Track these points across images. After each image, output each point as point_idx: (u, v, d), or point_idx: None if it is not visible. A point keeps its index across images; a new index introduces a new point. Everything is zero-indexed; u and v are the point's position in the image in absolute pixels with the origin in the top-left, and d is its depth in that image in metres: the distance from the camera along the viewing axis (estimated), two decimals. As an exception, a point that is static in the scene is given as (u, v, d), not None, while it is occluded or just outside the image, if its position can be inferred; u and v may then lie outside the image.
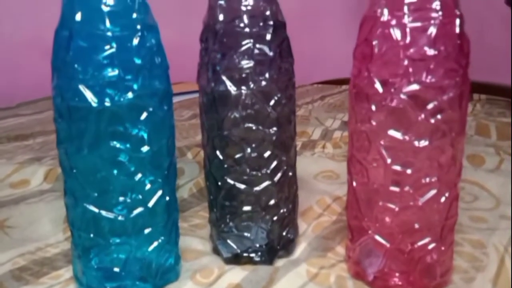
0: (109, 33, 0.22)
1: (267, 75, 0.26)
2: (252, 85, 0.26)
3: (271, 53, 0.26)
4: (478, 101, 0.83)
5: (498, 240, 0.31)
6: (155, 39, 0.24)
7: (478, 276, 0.27)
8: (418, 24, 0.22)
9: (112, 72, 0.22)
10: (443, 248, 0.26)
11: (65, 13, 0.22)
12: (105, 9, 0.22)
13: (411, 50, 0.22)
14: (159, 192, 0.25)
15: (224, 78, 0.26)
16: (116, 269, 0.26)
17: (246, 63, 0.26)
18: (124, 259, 0.25)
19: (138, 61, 0.23)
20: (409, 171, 0.24)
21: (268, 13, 0.26)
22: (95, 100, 0.22)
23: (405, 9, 0.22)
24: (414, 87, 0.23)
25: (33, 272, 0.29)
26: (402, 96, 0.23)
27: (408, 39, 0.22)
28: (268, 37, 0.26)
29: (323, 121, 0.69)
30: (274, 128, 0.27)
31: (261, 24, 0.26)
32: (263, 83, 0.26)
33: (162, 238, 0.26)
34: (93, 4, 0.22)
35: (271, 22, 0.26)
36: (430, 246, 0.25)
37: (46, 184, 0.43)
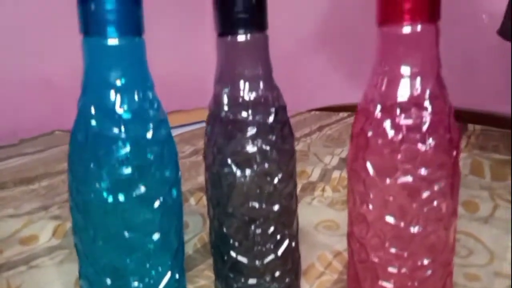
0: (123, 135, 0.23)
1: (270, 158, 0.28)
2: (256, 168, 0.27)
3: (273, 138, 0.28)
4: (473, 133, 0.85)
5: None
6: (165, 130, 0.25)
7: None
8: (410, 121, 0.24)
9: (126, 170, 0.23)
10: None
11: (81, 116, 0.24)
12: (120, 111, 0.23)
13: (404, 146, 0.24)
14: (169, 273, 0.26)
15: (229, 161, 0.27)
16: None
17: (251, 148, 0.27)
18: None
19: (150, 156, 0.24)
20: (405, 254, 0.25)
21: (270, 99, 0.28)
22: (110, 196, 0.23)
23: (397, 108, 0.24)
24: (408, 179, 0.24)
25: None
26: (396, 187, 0.24)
27: (400, 136, 0.24)
28: (271, 122, 0.27)
29: (321, 157, 0.71)
30: (277, 206, 0.29)
31: (263, 111, 0.27)
32: (266, 165, 0.28)
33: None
34: (108, 108, 0.23)
35: (273, 109, 0.28)
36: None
37: (54, 240, 0.45)
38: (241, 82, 0.27)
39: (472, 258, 0.39)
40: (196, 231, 0.44)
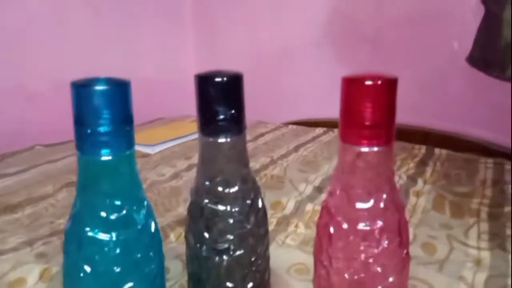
0: (114, 238, 0.26)
1: (246, 244, 0.31)
2: (232, 254, 0.31)
3: (248, 226, 0.31)
4: (439, 158, 0.90)
5: None
6: (153, 228, 0.28)
7: None
8: (366, 228, 0.28)
9: (117, 269, 0.26)
10: None
11: (75, 220, 0.27)
12: (112, 217, 0.26)
13: (361, 247, 0.28)
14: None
15: (208, 248, 0.31)
16: None
17: (228, 237, 0.30)
18: None
19: (138, 255, 0.27)
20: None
21: (246, 191, 0.31)
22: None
23: (355, 215, 0.28)
24: (362, 275, 0.28)
25: None
26: (353, 281, 0.28)
27: (357, 239, 0.28)
28: (246, 212, 0.31)
29: (296, 184, 0.75)
30: (251, 283, 0.32)
31: (240, 203, 0.31)
32: (242, 251, 0.31)
33: None
34: (99, 214, 0.26)
35: (248, 201, 0.31)
36: None
37: (41, 283, 0.47)
38: (220, 177, 0.30)
39: (425, 306, 0.44)
40: (176, 278, 0.47)
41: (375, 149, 0.27)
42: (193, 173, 0.83)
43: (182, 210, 0.66)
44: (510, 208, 0.65)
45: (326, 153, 0.93)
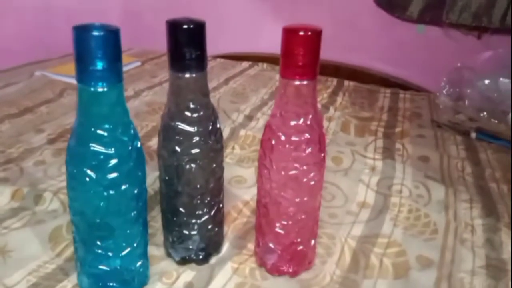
0: (112, 151, 0.34)
1: (208, 156, 0.41)
2: (199, 162, 0.41)
3: (210, 142, 0.41)
4: (347, 89, 1.05)
5: (342, 232, 0.52)
6: (138, 146, 0.37)
7: (328, 260, 0.48)
8: (297, 139, 0.39)
9: (113, 175, 0.35)
10: (312, 243, 0.45)
11: (78, 139, 0.34)
12: (109, 136, 0.34)
13: (293, 153, 0.39)
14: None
15: (180, 159, 0.40)
16: (106, 277, 0.40)
17: (195, 151, 0.40)
18: (117, 270, 0.40)
19: (131, 163, 0.36)
20: (291, 213, 0.42)
21: (208, 115, 0.40)
22: (104, 192, 0.35)
23: (290, 131, 0.38)
24: (295, 171, 0.40)
25: (44, 286, 0.42)
26: (288, 176, 0.40)
27: (292, 147, 0.39)
28: (209, 131, 0.40)
29: (229, 114, 0.85)
30: (212, 184, 0.43)
31: (203, 124, 0.40)
32: (206, 161, 0.41)
33: (142, 253, 0.41)
34: (99, 133, 0.34)
35: (210, 123, 0.40)
36: (304, 246, 0.44)
37: (14, 202, 0.53)
38: (187, 105, 0.39)
39: (333, 201, 0.58)
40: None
41: (305, 82, 0.38)
42: (137, 99, 0.89)
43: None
44: (400, 129, 0.82)
45: (253, 86, 1.04)
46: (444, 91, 0.92)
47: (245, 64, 1.21)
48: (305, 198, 0.41)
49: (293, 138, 0.39)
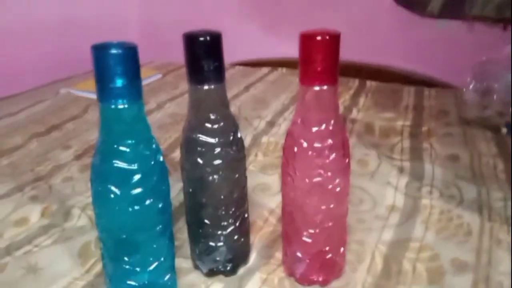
0: (135, 167, 0.35)
1: (230, 166, 0.41)
2: (221, 173, 0.40)
3: (231, 152, 0.40)
4: (369, 90, 1.03)
5: (372, 238, 0.50)
6: (161, 160, 0.37)
7: (359, 267, 0.46)
8: (320, 145, 0.38)
9: (137, 190, 0.35)
10: (341, 251, 0.44)
11: (102, 156, 0.34)
12: (131, 152, 0.34)
13: (317, 160, 0.38)
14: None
15: (203, 170, 0.40)
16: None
17: (217, 162, 0.40)
18: (141, 284, 0.40)
19: (154, 178, 0.36)
20: (318, 221, 0.41)
21: (228, 126, 0.40)
22: (129, 207, 0.35)
23: (313, 137, 0.38)
24: (319, 179, 0.39)
25: (75, 302, 0.42)
26: (312, 184, 0.39)
27: (314, 154, 0.38)
28: (230, 141, 0.40)
29: (251, 121, 0.85)
30: (236, 194, 0.42)
31: (225, 135, 0.40)
32: (228, 171, 0.41)
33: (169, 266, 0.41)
34: (121, 150, 0.34)
35: (231, 134, 0.40)
36: (333, 254, 0.43)
37: (44, 219, 0.54)
38: (208, 116, 0.39)
39: (361, 206, 0.57)
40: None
41: (325, 88, 0.37)
42: (160, 112, 0.90)
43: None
44: (427, 128, 0.80)
45: (273, 91, 1.03)
46: (470, 87, 0.89)
47: (265, 70, 1.21)
48: (331, 205, 0.41)
49: (316, 145, 0.38)
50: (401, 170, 0.65)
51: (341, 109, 0.90)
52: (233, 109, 0.91)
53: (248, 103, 0.95)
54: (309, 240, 0.42)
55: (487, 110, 0.86)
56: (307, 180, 0.39)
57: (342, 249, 0.44)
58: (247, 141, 0.76)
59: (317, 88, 0.37)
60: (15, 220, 0.54)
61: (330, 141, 0.38)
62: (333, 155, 0.39)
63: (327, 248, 0.43)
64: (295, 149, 0.39)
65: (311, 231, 0.42)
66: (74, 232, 0.52)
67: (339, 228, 0.43)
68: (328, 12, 1.17)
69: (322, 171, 0.39)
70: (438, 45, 1.11)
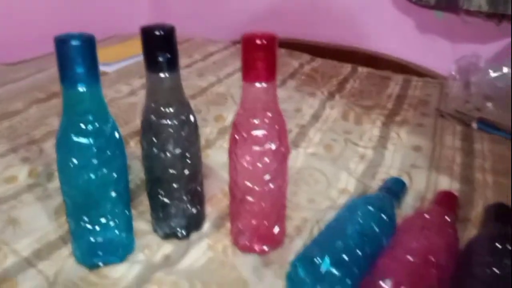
0: (91, 141, 0.40)
1: (182, 146, 0.46)
2: (175, 153, 0.46)
3: (184, 134, 0.46)
4: (359, 77, 1.06)
5: (317, 216, 0.56)
6: (117, 135, 0.43)
7: (297, 240, 0.52)
8: (257, 135, 0.43)
9: (94, 161, 0.41)
10: (279, 225, 0.50)
11: (63, 131, 0.40)
12: (89, 128, 0.40)
13: (254, 147, 0.43)
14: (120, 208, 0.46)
15: (157, 149, 0.46)
16: (94, 246, 0.46)
17: (171, 140, 0.45)
18: (102, 242, 0.46)
19: (108, 152, 0.42)
20: (256, 203, 0.46)
21: (180, 110, 0.45)
22: (85, 175, 0.41)
23: (251, 128, 0.43)
24: (258, 164, 0.44)
25: (46, 252, 0.49)
26: (253, 167, 0.44)
27: (252, 142, 0.43)
28: (182, 126, 0.45)
29: (237, 100, 0.90)
30: (187, 170, 0.48)
31: (177, 118, 0.45)
32: (180, 150, 0.46)
33: (124, 227, 0.47)
34: (80, 126, 0.40)
35: (183, 117, 0.45)
36: (271, 228, 0.49)
37: (30, 179, 0.61)
38: (162, 101, 0.44)
39: (316, 186, 0.62)
40: (136, 172, 0.63)
41: (264, 85, 0.42)
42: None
43: (138, 122, 0.80)
44: (400, 118, 0.84)
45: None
46: (453, 79, 0.92)
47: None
48: (266, 188, 0.46)
49: (254, 134, 0.43)
50: (362, 156, 0.70)
51: (325, 95, 0.94)
52: (223, 88, 0.97)
53: (239, 82, 0.99)
54: (247, 215, 0.48)
55: (467, 104, 0.89)
56: (244, 163, 0.45)
57: (280, 225, 0.50)
58: (228, 120, 0.81)
59: (257, 85, 0.42)
60: (5, 178, 0.61)
61: (265, 132, 0.43)
62: (269, 144, 0.44)
63: (265, 223, 0.49)
64: (236, 137, 0.44)
65: (248, 207, 0.47)
66: (54, 192, 0.59)
67: (276, 206, 0.48)
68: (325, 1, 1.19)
69: (257, 158, 0.44)
70: (435, 34, 1.12)
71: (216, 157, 0.69)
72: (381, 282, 0.36)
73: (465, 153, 0.71)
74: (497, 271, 0.37)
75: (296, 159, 0.69)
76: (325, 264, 0.39)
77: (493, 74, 0.84)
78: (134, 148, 0.70)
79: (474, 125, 0.79)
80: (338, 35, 1.20)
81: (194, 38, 1.30)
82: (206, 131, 0.77)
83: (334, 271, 0.39)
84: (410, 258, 0.39)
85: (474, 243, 0.43)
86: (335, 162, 0.68)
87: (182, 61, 1.11)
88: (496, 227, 0.46)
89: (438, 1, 1.04)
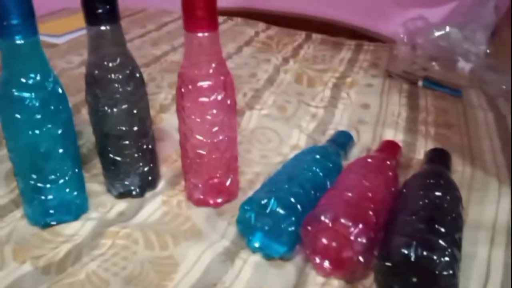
0: (33, 95, 0.40)
1: (128, 100, 0.46)
2: (120, 106, 0.46)
3: (129, 88, 0.46)
4: (313, 43, 1.08)
5: (268, 169, 0.58)
6: (59, 88, 0.42)
7: (249, 193, 0.54)
8: (203, 86, 0.44)
9: (38, 116, 0.41)
10: (231, 177, 0.51)
11: (5, 87, 0.40)
12: (30, 82, 0.40)
13: (200, 99, 0.44)
14: (71, 170, 0.46)
15: (103, 104, 0.46)
16: (45, 205, 0.46)
17: (116, 95, 0.45)
18: (53, 199, 0.46)
19: (51, 107, 0.41)
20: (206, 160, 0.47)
21: (125, 63, 0.45)
22: (30, 131, 0.41)
23: (199, 78, 0.44)
24: (207, 117, 0.45)
25: (-3, 215, 0.49)
26: (204, 122, 0.45)
27: (198, 94, 0.44)
28: (126, 79, 0.46)
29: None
30: (136, 127, 0.48)
31: (122, 72, 0.45)
32: (126, 105, 0.46)
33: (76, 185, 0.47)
34: (21, 81, 0.39)
35: (128, 70, 0.45)
36: (223, 181, 0.50)
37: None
38: (105, 54, 0.44)
39: (269, 144, 0.64)
40: (87, 137, 0.62)
41: (206, 34, 0.42)
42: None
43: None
44: (351, 79, 0.86)
45: (222, 40, 1.07)
46: (400, 41, 0.95)
47: (219, 19, 1.23)
48: (215, 140, 0.47)
49: (199, 85, 0.44)
50: (313, 115, 0.72)
51: (279, 60, 0.95)
52: (177, 56, 0.96)
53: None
54: (199, 169, 0.49)
55: (414, 64, 0.92)
56: (193, 116, 0.46)
57: (232, 176, 0.51)
58: (182, 86, 0.81)
59: (199, 34, 0.42)
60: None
61: (211, 82, 0.44)
62: (215, 95, 0.45)
63: (217, 175, 0.50)
64: (182, 89, 0.45)
65: (199, 161, 0.48)
66: (4, 158, 0.57)
67: (226, 158, 0.50)
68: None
69: (205, 109, 0.45)
70: (386, 0, 1.15)
71: (170, 121, 0.69)
72: (322, 216, 0.38)
73: (410, 108, 0.75)
74: (426, 201, 0.40)
75: (250, 120, 0.70)
76: (271, 204, 0.41)
77: (437, 34, 0.88)
78: (85, 115, 0.69)
79: (420, 83, 0.83)
80: (292, 4, 1.21)
81: (148, 9, 1.28)
82: (161, 97, 0.77)
83: (279, 210, 0.41)
84: (348, 194, 0.41)
85: (410, 180, 0.46)
86: (287, 121, 0.70)
87: (136, 31, 1.11)
88: (432, 168, 0.50)
89: (386, -33, 1.07)
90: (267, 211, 0.41)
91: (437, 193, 0.41)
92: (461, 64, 0.86)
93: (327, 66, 0.93)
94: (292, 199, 0.42)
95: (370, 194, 0.41)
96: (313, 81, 0.85)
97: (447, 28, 0.85)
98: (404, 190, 0.44)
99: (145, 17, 1.22)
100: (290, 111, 0.73)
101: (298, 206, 0.41)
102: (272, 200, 0.41)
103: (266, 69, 0.90)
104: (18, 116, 0.41)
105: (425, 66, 0.90)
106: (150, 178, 0.53)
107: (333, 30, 1.15)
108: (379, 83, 0.85)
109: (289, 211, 0.41)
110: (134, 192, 0.52)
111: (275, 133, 0.66)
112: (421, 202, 0.40)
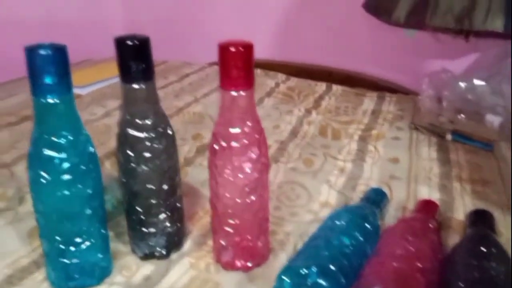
0: (63, 155, 0.39)
1: (160, 158, 0.45)
2: (150, 165, 0.45)
3: (160, 147, 0.45)
4: (334, 94, 1.08)
5: (300, 230, 0.55)
6: (92, 151, 0.41)
7: (281, 255, 0.51)
8: (237, 145, 0.42)
9: (67, 177, 0.39)
10: (262, 239, 0.48)
11: (35, 145, 0.38)
12: (61, 142, 0.38)
13: (233, 157, 0.43)
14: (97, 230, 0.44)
15: (134, 162, 0.44)
16: (69, 269, 0.44)
17: (147, 154, 0.44)
18: (78, 263, 0.44)
19: (82, 167, 0.40)
20: (238, 215, 0.45)
21: (157, 123, 0.44)
22: (59, 192, 0.39)
23: (231, 137, 0.42)
24: (240, 176, 0.43)
25: (18, 278, 0.46)
26: (235, 181, 0.43)
27: (231, 152, 0.42)
28: (158, 137, 0.44)
29: (215, 118, 0.89)
30: (165, 186, 0.46)
31: (154, 130, 0.44)
32: (158, 162, 0.45)
33: (101, 247, 0.45)
34: (52, 139, 0.38)
35: (160, 129, 0.44)
36: (254, 243, 0.48)
37: (1, 203, 0.58)
38: (138, 112, 0.43)
39: (298, 201, 0.61)
40: (112, 193, 0.60)
41: (241, 93, 0.41)
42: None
43: (113, 143, 0.78)
44: (376, 132, 0.85)
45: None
46: (425, 94, 0.94)
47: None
48: (248, 200, 0.45)
49: (232, 144, 0.43)
50: (342, 170, 0.70)
51: (302, 112, 0.94)
52: (200, 107, 0.96)
53: (216, 102, 0.99)
54: (230, 230, 0.47)
55: (440, 117, 0.91)
56: (225, 175, 0.44)
57: (264, 239, 0.49)
58: (206, 138, 0.80)
59: (234, 93, 0.41)
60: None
61: (245, 141, 0.43)
62: (249, 154, 0.43)
63: (248, 237, 0.47)
64: (216, 147, 0.43)
65: (231, 221, 0.46)
66: (26, 215, 0.56)
67: (259, 219, 0.47)
68: (303, 15, 1.21)
69: (238, 168, 0.43)
70: (406, 52, 1.15)
71: (195, 175, 0.67)
72: (370, 289, 0.35)
73: (442, 163, 0.72)
74: (481, 273, 0.37)
75: (277, 174, 0.68)
76: (312, 275, 0.38)
77: (463, 87, 0.86)
78: (110, 169, 0.68)
79: (449, 136, 0.81)
80: (312, 56, 1.22)
81: (169, 61, 1.30)
82: (185, 150, 0.76)
83: (322, 281, 0.38)
84: (396, 264, 0.38)
85: (459, 247, 0.43)
86: (315, 175, 0.68)
87: (158, 82, 1.11)
88: (479, 231, 0.47)
89: (407, 19, 1.08)
90: (308, 282, 0.38)
91: (492, 264, 0.38)
92: (490, 118, 0.84)
93: (350, 118, 0.91)
94: (333, 268, 0.39)
95: (418, 264, 0.38)
96: (338, 134, 0.83)
97: (474, 81, 0.84)
98: (453, 259, 0.41)
99: (166, 69, 1.24)
100: (317, 165, 0.71)
101: (340, 277, 0.38)
102: (312, 269, 0.38)
103: (289, 120, 0.89)
104: (47, 176, 0.39)
105: (452, 119, 0.88)
106: (176, 238, 0.51)
107: (353, 82, 1.16)
108: (406, 136, 0.83)
109: (331, 282, 0.38)
110: (159, 254, 0.50)
111: (303, 189, 0.64)
112: (476, 274, 0.37)
